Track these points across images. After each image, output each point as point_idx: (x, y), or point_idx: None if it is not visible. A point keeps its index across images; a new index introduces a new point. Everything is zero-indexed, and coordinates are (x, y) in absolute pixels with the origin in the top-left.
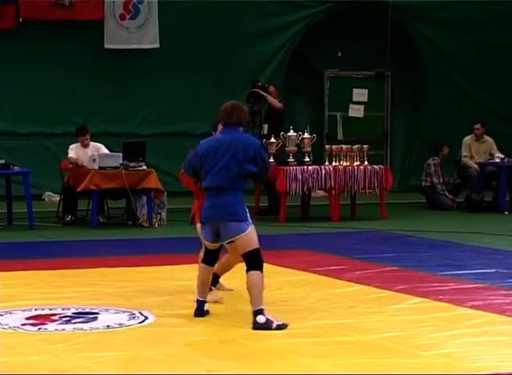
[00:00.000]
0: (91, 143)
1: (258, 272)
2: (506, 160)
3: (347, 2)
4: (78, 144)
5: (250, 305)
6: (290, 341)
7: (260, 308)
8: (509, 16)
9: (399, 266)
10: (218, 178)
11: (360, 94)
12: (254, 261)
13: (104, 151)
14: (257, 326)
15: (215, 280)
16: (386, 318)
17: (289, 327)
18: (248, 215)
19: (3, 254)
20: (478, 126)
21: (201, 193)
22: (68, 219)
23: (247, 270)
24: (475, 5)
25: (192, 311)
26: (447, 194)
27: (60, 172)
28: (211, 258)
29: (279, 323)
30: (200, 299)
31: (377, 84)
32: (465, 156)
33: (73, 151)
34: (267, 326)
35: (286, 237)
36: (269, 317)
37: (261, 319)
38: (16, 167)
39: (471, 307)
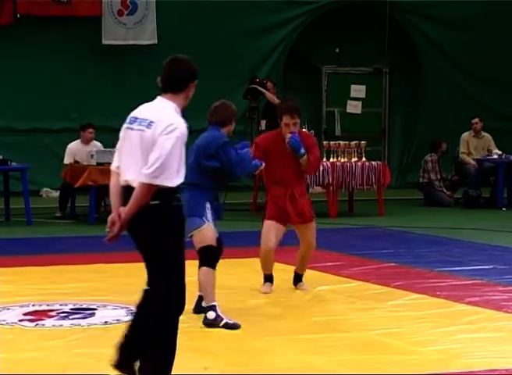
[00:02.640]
0: (93, 141)
1: (207, 268)
2: (503, 156)
3: None
4: (78, 141)
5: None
6: (288, 337)
7: (212, 304)
8: (507, 14)
9: (396, 263)
10: (186, 174)
11: (358, 91)
12: (204, 258)
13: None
14: (206, 321)
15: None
16: (384, 314)
17: (287, 323)
18: (207, 211)
19: (1, 250)
20: (476, 120)
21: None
22: (58, 214)
23: (199, 266)
24: (474, 3)
25: (190, 309)
26: (445, 190)
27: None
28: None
29: (230, 321)
30: (200, 294)
31: (375, 81)
32: (463, 153)
33: (69, 156)
34: (216, 322)
35: (285, 234)
36: (220, 314)
37: (211, 315)
38: (13, 163)
39: (469, 303)
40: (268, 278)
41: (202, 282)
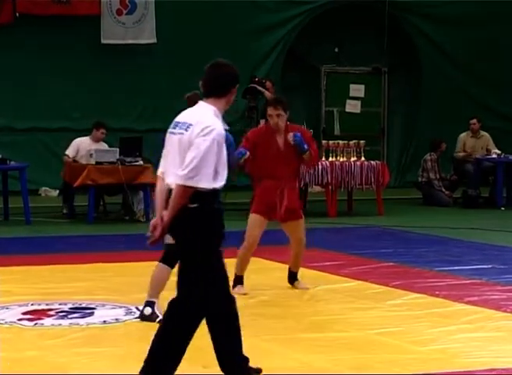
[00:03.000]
0: (101, 142)
1: (164, 266)
2: (502, 156)
3: None
4: (87, 138)
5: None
6: (287, 336)
7: (151, 300)
8: (507, 14)
9: (395, 262)
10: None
11: (357, 90)
12: (166, 255)
13: (109, 149)
14: (141, 316)
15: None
16: (383, 314)
17: (286, 323)
18: None
19: (0, 249)
20: (474, 121)
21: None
22: (65, 211)
23: (158, 260)
24: (473, 2)
25: None
26: (444, 190)
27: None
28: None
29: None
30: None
31: (374, 80)
32: (457, 152)
33: (73, 148)
34: (151, 318)
35: (283, 233)
36: (156, 311)
37: (147, 310)
38: (12, 162)
39: (467, 303)
40: (240, 280)
41: (155, 277)
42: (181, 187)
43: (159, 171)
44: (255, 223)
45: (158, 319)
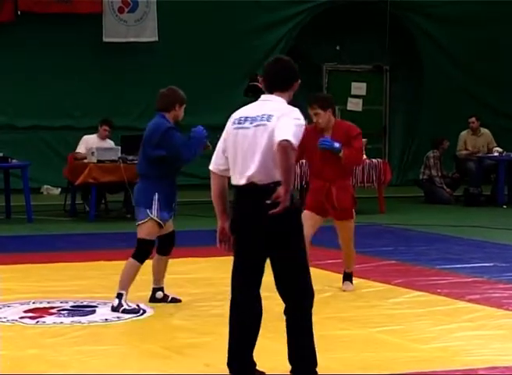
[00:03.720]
0: (107, 139)
1: (134, 261)
2: (504, 154)
3: None
4: (94, 135)
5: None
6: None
7: (120, 292)
8: (508, 13)
9: (397, 260)
10: (137, 165)
11: (359, 88)
12: (137, 250)
13: (111, 147)
14: (111, 308)
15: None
16: (384, 312)
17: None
18: (154, 203)
19: (1, 247)
20: (472, 119)
21: None
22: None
23: (131, 255)
24: (474, 2)
25: (193, 305)
26: (445, 187)
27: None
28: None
29: (128, 307)
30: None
31: (375, 78)
32: (459, 150)
33: (84, 145)
34: (117, 309)
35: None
36: (122, 302)
37: (114, 302)
38: (14, 160)
39: (469, 301)
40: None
41: (124, 270)
42: (286, 145)
43: (218, 168)
44: (305, 221)
45: (121, 309)
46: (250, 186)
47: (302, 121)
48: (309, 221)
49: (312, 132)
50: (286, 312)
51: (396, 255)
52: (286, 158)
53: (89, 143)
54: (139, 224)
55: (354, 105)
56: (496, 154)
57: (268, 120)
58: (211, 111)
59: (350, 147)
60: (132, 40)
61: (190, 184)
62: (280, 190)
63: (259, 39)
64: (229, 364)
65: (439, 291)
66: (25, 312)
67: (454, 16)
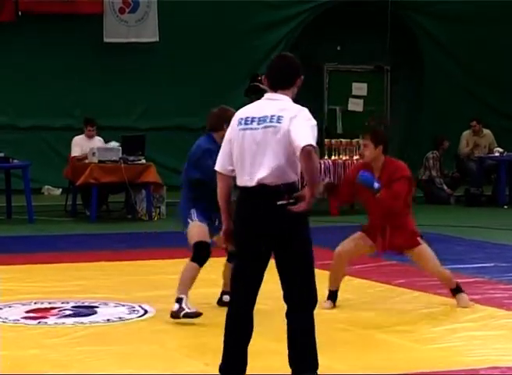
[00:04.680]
0: (96, 137)
1: (192, 263)
2: (505, 154)
3: None
4: (83, 135)
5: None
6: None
7: (180, 296)
8: (509, 12)
9: (398, 260)
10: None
11: (360, 88)
12: (193, 253)
13: (111, 147)
14: (172, 314)
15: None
16: (385, 312)
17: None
18: (192, 215)
19: (2, 248)
20: (474, 123)
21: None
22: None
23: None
24: (476, 2)
25: (194, 305)
26: (445, 188)
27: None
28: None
29: (189, 311)
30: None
31: (376, 78)
32: (462, 148)
33: (77, 147)
34: (178, 314)
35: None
36: (184, 306)
37: (174, 307)
38: (15, 160)
39: (470, 301)
40: (331, 295)
41: (184, 275)
42: (312, 149)
43: (225, 169)
44: (352, 237)
45: (183, 313)
46: (260, 187)
47: (314, 120)
48: (356, 239)
49: (363, 167)
50: (287, 314)
51: (397, 256)
52: (312, 162)
53: (81, 144)
54: (186, 232)
55: (355, 105)
56: (496, 154)
57: (278, 122)
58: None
59: (389, 189)
60: (133, 40)
61: None
62: (306, 192)
63: (260, 39)
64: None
65: (439, 291)
66: (27, 312)
67: (455, 15)
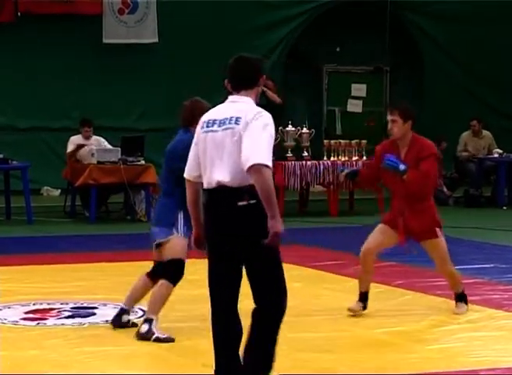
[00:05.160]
0: (93, 136)
1: (168, 283)
2: (504, 155)
3: None
4: (79, 135)
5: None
6: (289, 335)
7: (151, 317)
8: (508, 12)
9: (397, 261)
10: (159, 182)
11: (359, 89)
12: (168, 271)
13: (106, 145)
14: (139, 335)
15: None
16: (385, 313)
17: (287, 322)
18: (178, 222)
19: (1, 249)
20: (474, 122)
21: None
22: (87, 214)
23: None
24: (476, 2)
25: (193, 306)
26: (444, 189)
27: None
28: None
29: (161, 336)
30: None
31: (375, 79)
32: (460, 151)
33: (73, 145)
34: (147, 336)
35: (284, 232)
36: (153, 328)
37: (144, 328)
38: (14, 162)
39: (470, 302)
40: (361, 297)
41: (156, 294)
42: (266, 169)
43: (191, 175)
44: (375, 232)
45: (153, 337)
46: (222, 189)
47: (271, 128)
48: (379, 234)
49: (389, 147)
50: (253, 314)
51: (396, 257)
52: (261, 182)
53: (75, 142)
54: (161, 243)
55: (355, 106)
56: (496, 155)
57: (236, 123)
58: None
59: (417, 169)
60: (132, 41)
61: None
62: (269, 220)
63: (260, 39)
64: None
65: (439, 292)
66: (26, 313)
67: (454, 15)
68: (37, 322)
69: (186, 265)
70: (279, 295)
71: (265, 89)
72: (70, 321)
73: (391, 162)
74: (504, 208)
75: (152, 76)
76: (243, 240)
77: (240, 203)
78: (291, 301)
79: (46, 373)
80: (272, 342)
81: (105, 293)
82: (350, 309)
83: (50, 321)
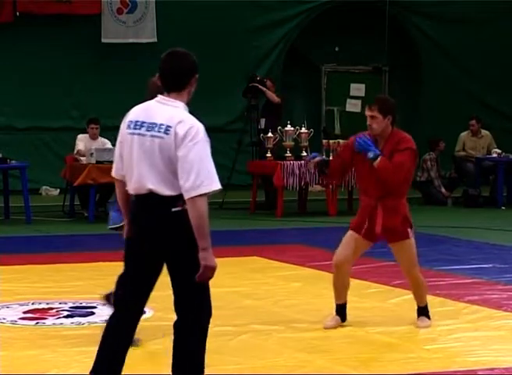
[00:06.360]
0: (100, 138)
1: None
2: (503, 155)
3: None
4: (86, 134)
5: None
6: (287, 335)
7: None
8: (507, 12)
9: (395, 261)
10: None
11: (358, 89)
12: None
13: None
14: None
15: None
16: (383, 313)
17: (287, 321)
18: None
19: (0, 248)
20: (473, 122)
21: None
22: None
23: None
24: (474, 2)
25: None
26: (443, 190)
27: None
28: None
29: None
30: None
31: (374, 79)
32: (457, 151)
33: (82, 142)
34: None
35: (283, 232)
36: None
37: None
38: (13, 161)
39: (468, 302)
40: (338, 309)
41: None
42: (197, 199)
43: (118, 173)
44: (344, 241)
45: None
46: (150, 196)
47: (206, 140)
48: (349, 242)
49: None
50: (175, 325)
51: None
52: (195, 211)
53: (85, 141)
54: (117, 228)
55: (353, 106)
56: (494, 155)
57: (165, 132)
58: (210, 112)
59: (389, 159)
60: (131, 41)
61: None
62: (201, 255)
63: (258, 40)
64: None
65: (437, 292)
66: (24, 313)
67: (454, 15)
68: (35, 321)
69: None
70: (199, 310)
71: (264, 89)
72: (69, 320)
73: (364, 143)
74: (503, 208)
75: (151, 76)
76: (174, 246)
77: (174, 209)
78: (291, 300)
79: (45, 373)
80: (198, 356)
81: (104, 292)
82: (326, 328)
83: (49, 321)
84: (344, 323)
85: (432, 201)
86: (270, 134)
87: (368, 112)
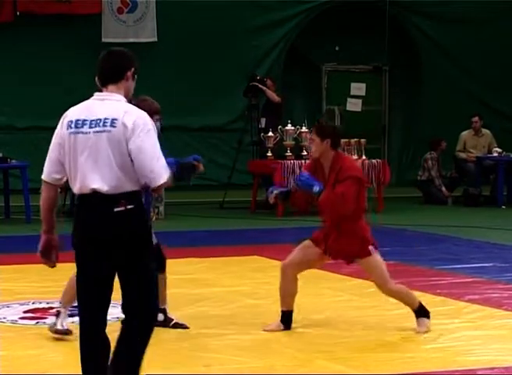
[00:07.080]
0: None
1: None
2: (503, 154)
3: None
4: None
5: None
6: (288, 335)
7: (162, 307)
8: (507, 12)
9: (396, 260)
10: None
11: (358, 88)
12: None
13: None
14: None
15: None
16: (384, 312)
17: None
18: None
19: (0, 247)
20: (475, 119)
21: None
22: None
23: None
24: (473, 1)
25: (192, 305)
26: (444, 189)
27: None
28: None
29: (179, 322)
30: None
31: (375, 78)
32: (458, 151)
33: None
34: (165, 324)
35: (284, 231)
36: (169, 316)
37: (160, 317)
38: (13, 161)
39: (469, 301)
40: (284, 317)
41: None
42: (163, 185)
43: (52, 177)
44: (297, 247)
45: (172, 323)
46: (95, 195)
47: (152, 128)
48: (302, 250)
49: (313, 166)
50: (122, 323)
51: (395, 256)
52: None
53: None
54: None
55: (354, 105)
56: (495, 154)
57: (112, 125)
58: (210, 112)
59: (332, 191)
60: (131, 40)
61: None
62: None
63: (259, 39)
64: None
65: (438, 291)
66: (25, 312)
67: (454, 15)
68: (36, 321)
69: (185, 264)
70: (147, 311)
71: (265, 88)
72: (69, 320)
73: (306, 180)
74: (503, 207)
75: (151, 76)
76: (118, 246)
77: (117, 209)
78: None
79: (46, 373)
80: (138, 358)
81: None
82: (264, 330)
83: (49, 320)
84: (344, 323)
85: (432, 201)
86: (270, 134)
87: (309, 135)
